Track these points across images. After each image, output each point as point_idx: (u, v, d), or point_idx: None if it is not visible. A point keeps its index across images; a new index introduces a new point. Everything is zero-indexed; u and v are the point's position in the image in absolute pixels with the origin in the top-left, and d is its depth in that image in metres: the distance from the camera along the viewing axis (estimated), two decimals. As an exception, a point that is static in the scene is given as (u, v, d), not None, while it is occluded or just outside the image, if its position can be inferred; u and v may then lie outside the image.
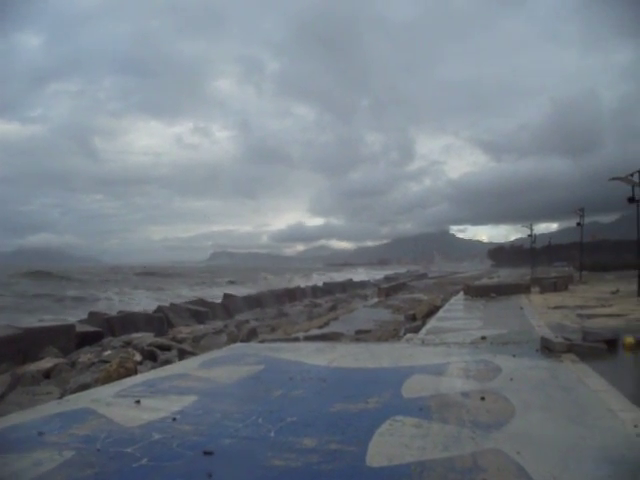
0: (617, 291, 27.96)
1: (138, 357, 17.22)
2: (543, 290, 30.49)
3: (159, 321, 34.60)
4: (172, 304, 40.45)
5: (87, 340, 25.37)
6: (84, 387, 11.62)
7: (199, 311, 39.25)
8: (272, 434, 6.33)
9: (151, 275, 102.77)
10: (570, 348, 11.17)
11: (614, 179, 26.56)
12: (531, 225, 67.22)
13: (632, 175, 25.20)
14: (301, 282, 76.46)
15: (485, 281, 42.55)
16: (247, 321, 32.36)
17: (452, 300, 27.93)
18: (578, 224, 46.72)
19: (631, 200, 25.27)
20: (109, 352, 19.56)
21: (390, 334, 16.55)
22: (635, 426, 6.10)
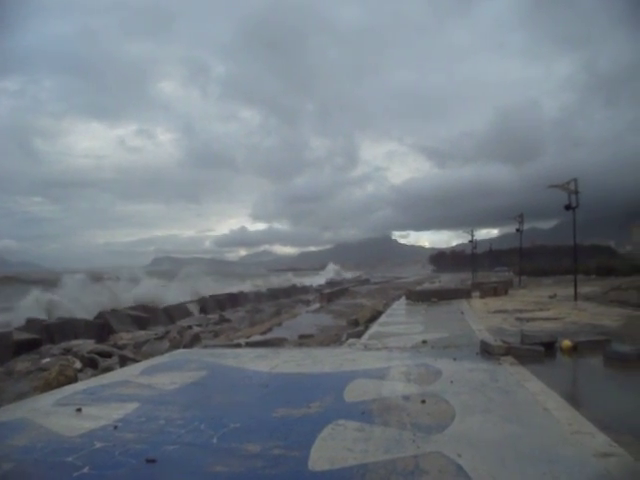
0: (555, 295, 28.62)
1: (78, 364, 16.98)
2: (483, 295, 30.96)
3: (100, 327, 34.06)
4: (113, 310, 39.86)
5: (24, 348, 24.87)
6: (21, 396, 11.41)
7: (141, 317, 38.78)
8: (215, 440, 6.35)
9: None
10: (509, 351, 11.44)
11: (552, 187, 27.20)
12: (472, 230, 68.35)
13: (569, 183, 25.86)
14: (244, 287, 76.09)
15: (427, 286, 43.01)
16: (190, 327, 32.10)
17: (394, 305, 28.20)
18: (517, 230, 47.63)
19: (567, 207, 25.91)
20: (48, 360, 19.22)
21: (332, 339, 16.65)
22: (570, 424, 6.36)
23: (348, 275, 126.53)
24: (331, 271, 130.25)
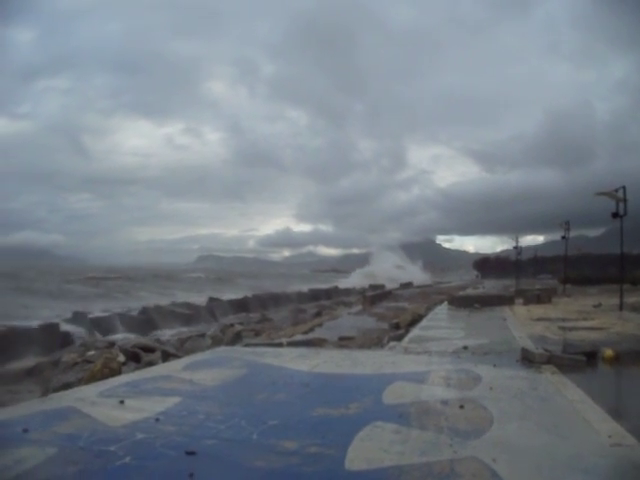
0: (599, 305, 28.15)
1: (122, 358, 17.23)
2: (526, 302, 30.60)
3: (144, 323, 34.61)
4: (157, 306, 40.41)
5: (71, 339, 25.42)
6: (67, 386, 11.67)
7: (184, 314, 39.28)
8: (254, 436, 6.42)
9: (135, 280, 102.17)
10: (550, 359, 11.30)
11: (599, 194, 26.76)
12: (517, 237, 67.68)
13: (617, 191, 25.41)
14: (289, 287, 76.45)
15: (469, 291, 42.68)
16: (232, 325, 32.36)
17: (436, 309, 28.04)
18: (563, 237, 47.01)
19: (615, 215, 25.49)
20: (93, 352, 19.56)
21: (373, 341, 16.63)
22: (609, 436, 6.25)
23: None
24: (361, 274, 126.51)
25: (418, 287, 65.41)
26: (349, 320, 25.74)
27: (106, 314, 36.78)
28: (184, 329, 33.36)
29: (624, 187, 25.21)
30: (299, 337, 18.23)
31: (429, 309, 28.20)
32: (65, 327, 30.00)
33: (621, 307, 24.92)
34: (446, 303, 30.80)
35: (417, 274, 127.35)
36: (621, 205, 25.20)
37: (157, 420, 7.12)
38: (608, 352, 11.94)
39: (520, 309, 27.25)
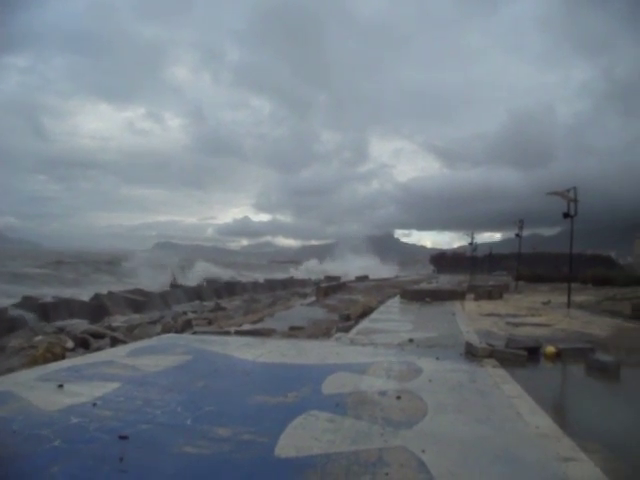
0: (549, 302, 28.69)
1: (70, 344, 17.12)
2: (478, 297, 30.98)
3: (96, 309, 34.31)
4: (110, 292, 40.11)
5: (20, 325, 25.12)
6: (10, 371, 11.54)
7: (137, 300, 39.07)
8: (188, 422, 6.50)
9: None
10: (492, 354, 11.55)
11: (551, 194, 27.21)
12: (472, 233, 68.63)
13: (568, 191, 25.88)
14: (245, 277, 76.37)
15: (423, 286, 42.99)
16: (184, 313, 32.29)
17: (388, 302, 28.26)
18: (517, 235, 47.80)
19: (566, 215, 25.94)
20: (40, 337, 19.38)
21: (322, 332, 16.70)
22: (538, 428, 6.48)
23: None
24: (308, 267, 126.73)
25: (374, 280, 65.64)
26: (301, 311, 25.79)
27: (57, 299, 36.38)
28: (136, 316, 33.16)
29: (575, 188, 25.71)
30: (248, 326, 18.26)
31: (381, 302, 28.38)
32: (14, 312, 29.66)
33: (569, 305, 25.45)
34: (398, 296, 31.08)
35: (374, 268, 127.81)
36: (572, 205, 25.68)
37: (94, 405, 7.14)
38: (550, 348, 12.22)
39: (470, 304, 27.59)
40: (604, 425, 7.20)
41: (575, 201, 25.64)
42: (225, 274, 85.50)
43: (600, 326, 17.69)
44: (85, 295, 40.71)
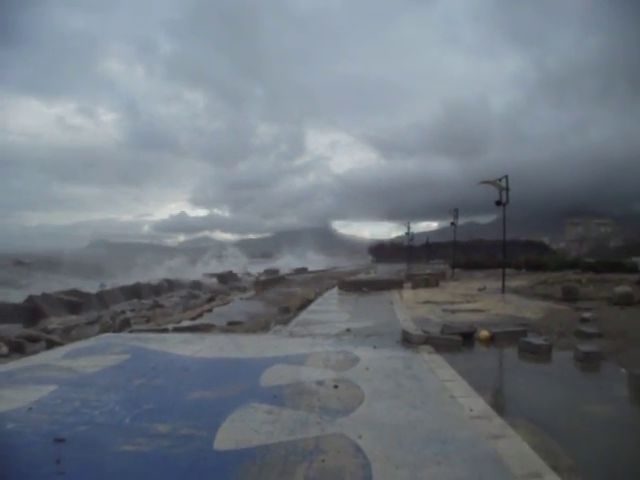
0: (484, 288, 29.29)
1: (4, 349, 16.75)
2: (415, 286, 31.39)
3: (29, 311, 33.49)
4: (44, 294, 39.19)
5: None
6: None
7: (73, 301, 38.29)
8: (127, 421, 6.51)
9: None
10: (427, 340, 11.86)
11: (483, 182, 27.78)
12: (408, 223, 69.66)
13: (500, 180, 26.47)
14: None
15: (361, 276, 43.36)
16: (123, 312, 31.84)
17: (326, 294, 28.49)
18: (452, 224, 48.68)
19: (498, 203, 26.53)
20: (-30, 344, 18.86)
21: (261, 326, 16.72)
22: (471, 410, 6.74)
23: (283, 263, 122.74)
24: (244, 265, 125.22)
25: (312, 272, 65.88)
26: (240, 305, 25.75)
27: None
28: (73, 317, 32.50)
29: (506, 176, 26.33)
30: (186, 323, 18.18)
31: (319, 294, 28.52)
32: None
33: (503, 290, 26.07)
34: (336, 288, 31.28)
35: (313, 259, 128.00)
36: (504, 194, 26.27)
37: (30, 409, 7.05)
38: (483, 333, 12.58)
39: (408, 293, 27.96)
40: (534, 404, 7.50)
41: (507, 189, 26.25)
42: (162, 271, 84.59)
43: (533, 310, 18.20)
44: (18, 298, 39.66)
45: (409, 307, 20.17)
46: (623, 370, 9.06)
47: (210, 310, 23.45)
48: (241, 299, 30.09)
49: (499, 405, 7.24)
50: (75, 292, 42.64)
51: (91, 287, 49.32)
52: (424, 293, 27.22)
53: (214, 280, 65.78)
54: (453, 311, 18.35)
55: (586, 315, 15.61)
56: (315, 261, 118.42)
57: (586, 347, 10.58)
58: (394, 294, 26.76)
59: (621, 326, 13.77)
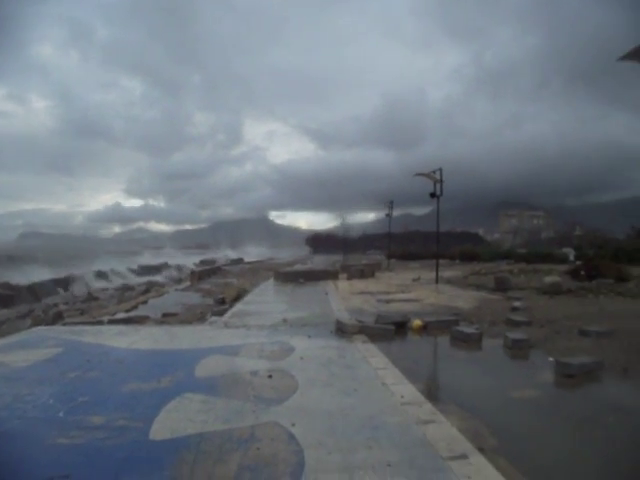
0: (419, 278, 29.88)
1: None
2: (350, 277, 31.73)
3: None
4: (-30, 287, 38.22)
5: None
6: None
7: (3, 295, 37.39)
8: (61, 414, 6.53)
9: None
10: (361, 330, 12.09)
11: (418, 175, 28.33)
12: (343, 214, 70.33)
13: (434, 172, 27.01)
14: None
15: (297, 267, 43.53)
16: (56, 305, 31.27)
17: (262, 285, 28.60)
18: (387, 215, 49.40)
19: (432, 195, 27.08)
20: None
21: (196, 317, 16.70)
22: (402, 397, 6.99)
23: (220, 255, 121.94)
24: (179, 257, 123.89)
25: (249, 263, 65.89)
26: (176, 296, 25.61)
27: None
28: (3, 311, 31.75)
29: (441, 169, 26.91)
30: (121, 315, 18.03)
31: (255, 285, 28.59)
32: None
33: (437, 280, 26.62)
34: (272, 278, 31.38)
35: (249, 250, 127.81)
36: (438, 186, 26.79)
37: (-40, 406, 6.95)
38: (416, 322, 12.91)
39: (343, 283, 28.28)
40: (464, 390, 7.83)
41: (440, 181, 26.80)
42: (97, 263, 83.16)
43: (465, 299, 18.71)
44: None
45: (344, 298, 20.45)
46: (550, 359, 9.39)
47: (145, 302, 23.25)
48: (176, 290, 29.92)
49: (430, 392, 7.52)
50: (5, 285, 41.62)
51: (23, 279, 48.11)
52: (359, 284, 27.58)
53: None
54: (388, 301, 18.69)
55: (516, 304, 16.15)
56: (254, 253, 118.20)
57: (515, 335, 10.98)
58: (329, 285, 27.08)
59: (549, 315, 14.33)
